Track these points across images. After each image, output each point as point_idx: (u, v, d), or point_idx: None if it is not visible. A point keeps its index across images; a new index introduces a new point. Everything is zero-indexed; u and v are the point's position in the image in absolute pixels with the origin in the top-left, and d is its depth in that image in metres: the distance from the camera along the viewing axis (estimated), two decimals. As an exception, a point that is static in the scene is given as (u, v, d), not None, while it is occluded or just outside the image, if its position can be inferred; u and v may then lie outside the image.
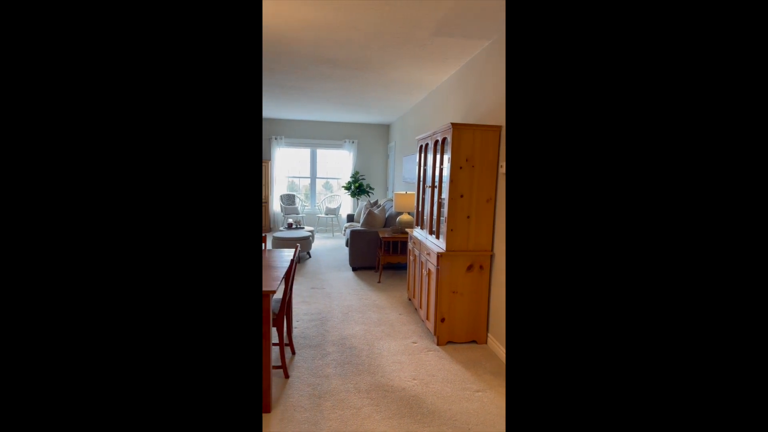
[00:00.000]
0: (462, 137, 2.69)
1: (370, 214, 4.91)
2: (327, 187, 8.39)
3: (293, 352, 2.61)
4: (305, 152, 8.10)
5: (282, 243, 5.24)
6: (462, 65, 3.64)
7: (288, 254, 2.72)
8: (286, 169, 8.02)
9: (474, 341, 2.88)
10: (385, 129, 8.16)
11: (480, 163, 2.74)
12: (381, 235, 4.37)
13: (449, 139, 2.72)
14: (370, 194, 7.75)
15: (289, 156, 8.03)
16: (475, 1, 2.33)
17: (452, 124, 2.66)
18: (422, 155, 3.50)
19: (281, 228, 6.31)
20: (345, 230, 6.11)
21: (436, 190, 3.05)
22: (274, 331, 2.94)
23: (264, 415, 1.93)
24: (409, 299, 3.71)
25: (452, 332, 2.82)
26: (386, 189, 8.15)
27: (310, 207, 8.23)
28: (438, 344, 2.80)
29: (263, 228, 7.63)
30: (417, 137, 3.60)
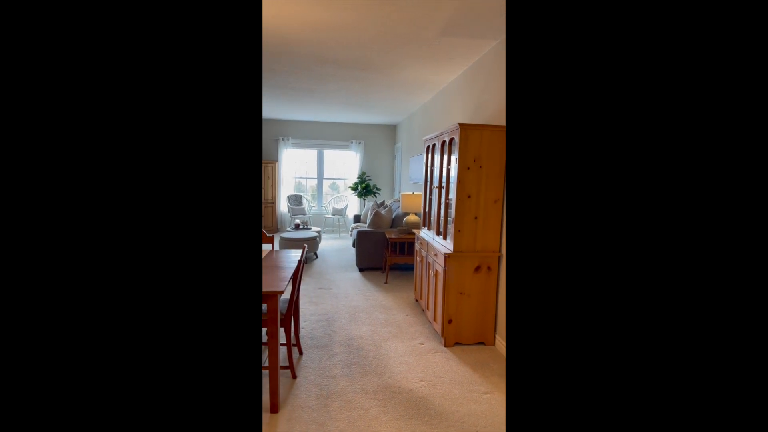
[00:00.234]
0: (469, 137, 2.68)
1: (376, 215, 4.91)
2: (333, 187, 8.41)
3: (300, 353, 2.62)
4: (312, 153, 8.13)
5: (289, 243, 5.26)
6: (469, 65, 3.62)
7: (295, 255, 2.73)
8: (293, 170, 8.05)
9: (482, 343, 2.86)
10: (391, 129, 8.16)
11: (488, 164, 2.72)
12: (388, 236, 4.36)
13: (457, 140, 2.71)
14: (376, 195, 7.76)
15: (296, 157, 8.06)
16: (482, 1, 2.31)
17: (460, 124, 2.65)
18: (429, 156, 3.49)
19: (288, 228, 6.34)
20: (352, 231, 6.12)
21: (444, 191, 3.04)
22: (281, 331, 2.96)
23: (272, 415, 1.94)
24: (416, 300, 3.70)
25: (459, 333, 2.81)
26: (393, 189, 8.15)
27: (317, 207, 8.26)
28: (445, 345, 2.79)
29: (271, 229, 7.67)
30: (424, 138, 3.59)
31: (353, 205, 8.18)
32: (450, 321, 2.78)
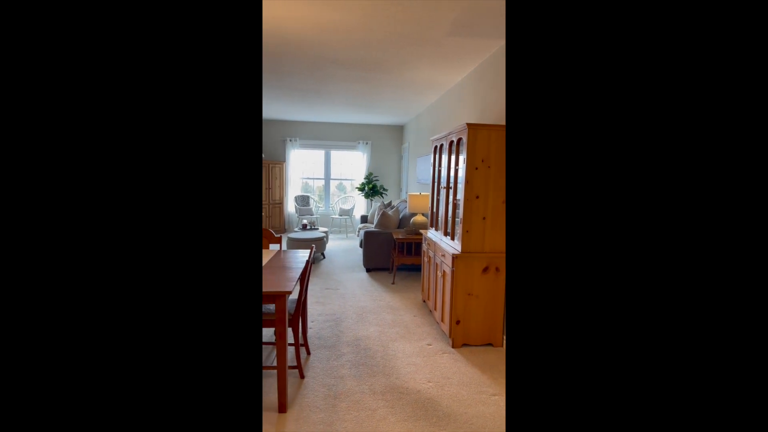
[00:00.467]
0: (478, 138, 2.67)
1: (383, 215, 4.90)
2: (340, 188, 8.42)
3: (308, 353, 2.63)
4: (319, 154, 8.15)
5: (297, 244, 5.28)
6: (477, 65, 3.61)
7: (303, 255, 2.74)
8: (301, 170, 8.09)
9: (490, 344, 2.84)
10: (398, 130, 8.16)
11: (496, 164, 2.70)
12: (395, 237, 4.36)
13: (465, 140, 2.69)
14: (383, 195, 7.76)
15: (303, 157, 8.10)
16: (489, 0, 2.30)
17: (468, 124, 2.64)
18: (437, 156, 3.48)
19: (296, 229, 6.37)
20: (359, 231, 6.13)
21: (451, 191, 3.03)
22: (289, 331, 2.97)
23: (280, 414, 1.94)
24: (424, 301, 3.69)
25: (467, 335, 2.79)
26: (400, 190, 8.14)
27: (324, 208, 8.28)
28: (453, 347, 2.78)
29: (278, 229, 7.71)
30: (431, 138, 3.58)
31: (360, 205, 8.19)
32: (458, 322, 2.77)
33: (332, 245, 6.69)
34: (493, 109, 3.20)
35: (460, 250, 2.75)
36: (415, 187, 6.48)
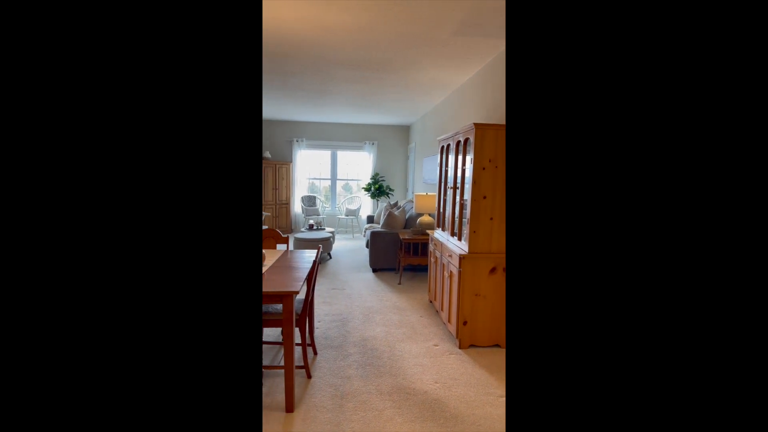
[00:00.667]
0: (485, 138, 2.65)
1: (390, 216, 4.90)
2: (347, 188, 8.44)
3: (315, 353, 2.63)
4: (326, 154, 8.17)
5: (303, 244, 5.30)
6: (484, 64, 3.59)
7: (309, 255, 2.75)
8: (307, 171, 8.12)
9: (497, 345, 2.83)
10: (405, 130, 8.15)
11: (503, 164, 2.69)
12: (401, 237, 4.36)
13: (472, 140, 2.68)
14: (389, 195, 7.75)
15: (309, 158, 8.12)
16: (497, 0, 2.29)
17: (475, 124, 2.62)
18: (444, 156, 3.47)
19: (302, 229, 6.39)
20: (365, 231, 6.13)
21: (458, 192, 3.02)
22: (296, 331, 2.97)
23: (287, 414, 1.95)
24: (430, 301, 3.68)
25: (475, 336, 2.78)
26: (406, 190, 8.13)
27: (330, 208, 8.30)
28: (460, 347, 2.77)
29: (285, 229, 7.74)
30: (438, 138, 3.57)
31: (366, 205, 8.19)
32: (465, 323, 2.76)
33: (338, 245, 6.70)
34: (500, 108, 3.19)
35: (467, 250, 2.73)
36: (421, 187, 6.47)
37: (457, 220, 3.04)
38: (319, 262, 5.34)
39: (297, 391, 2.17)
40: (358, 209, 7.90)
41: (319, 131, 7.98)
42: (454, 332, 2.83)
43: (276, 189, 7.59)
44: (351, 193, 8.39)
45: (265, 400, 2.08)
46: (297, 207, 7.99)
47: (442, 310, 3.17)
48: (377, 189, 7.39)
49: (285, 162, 7.63)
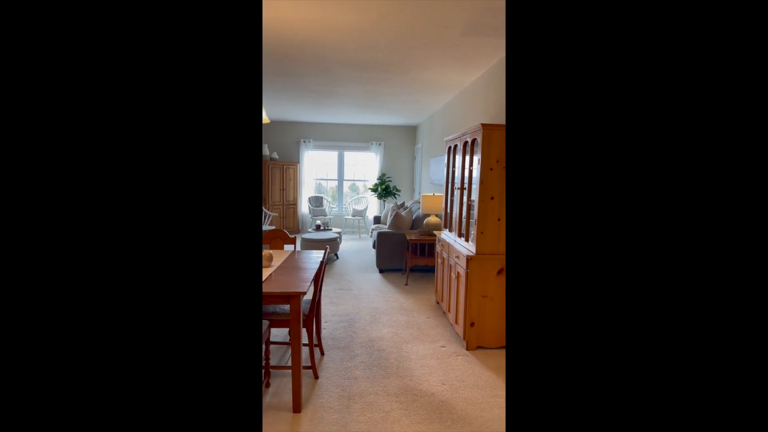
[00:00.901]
0: (492, 138, 2.64)
1: (396, 216, 4.90)
2: (353, 189, 8.45)
3: (322, 353, 2.64)
4: (332, 155, 8.20)
5: (311, 244, 5.32)
6: (492, 64, 3.57)
7: (316, 255, 2.75)
8: (314, 171, 8.15)
9: (505, 347, 2.81)
10: (412, 130, 8.14)
11: (511, 165, 2.67)
12: (408, 237, 4.35)
13: (479, 140, 2.67)
14: (396, 196, 7.75)
15: (317, 159, 8.15)
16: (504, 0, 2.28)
17: (482, 124, 2.61)
18: (451, 157, 3.46)
19: (310, 229, 6.41)
20: (372, 232, 6.13)
21: (466, 192, 3.00)
22: (303, 331, 2.98)
23: (294, 414, 1.96)
24: (437, 302, 3.67)
25: (482, 337, 2.76)
26: (413, 191, 8.12)
27: (337, 209, 8.32)
28: (467, 349, 2.75)
29: (292, 229, 7.78)
30: (445, 138, 3.56)
31: (373, 206, 8.20)
32: (472, 324, 2.74)
33: (345, 246, 6.71)
34: (508, 109, 3.16)
35: (474, 251, 2.72)
36: (428, 187, 6.46)
37: (464, 220, 3.03)
38: (326, 263, 5.36)
39: (304, 391, 2.17)
40: (365, 210, 7.90)
41: (326, 132, 8.01)
42: (461, 334, 2.82)
43: (283, 189, 7.63)
44: (358, 194, 8.41)
45: (273, 400, 2.09)
46: (304, 207, 8.02)
47: (449, 311, 3.16)
48: (384, 189, 7.39)
49: (292, 163, 7.67)
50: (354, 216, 7.83)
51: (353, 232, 8.26)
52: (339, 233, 5.89)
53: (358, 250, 6.37)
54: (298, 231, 7.90)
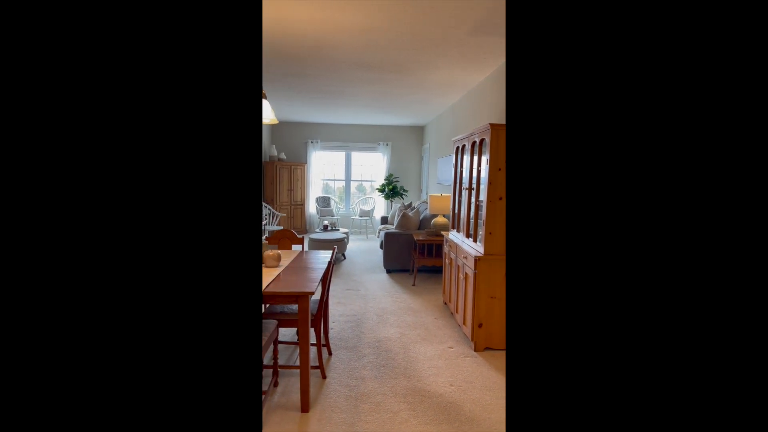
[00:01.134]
0: (501, 138, 2.62)
1: (404, 216, 4.89)
2: (360, 189, 8.46)
3: (330, 353, 2.64)
4: (340, 155, 8.22)
5: (318, 244, 5.34)
6: (500, 64, 3.55)
7: (324, 255, 2.76)
8: (322, 172, 8.18)
9: (513, 348, 2.79)
10: (419, 131, 8.13)
11: (520, 165, 2.65)
12: (415, 238, 4.34)
13: (488, 140, 2.66)
14: (403, 196, 7.75)
15: (324, 159, 8.18)
16: (516, -3, 2.26)
17: (491, 124, 2.60)
18: (459, 157, 3.45)
19: (317, 230, 6.44)
20: (379, 232, 6.13)
21: (474, 192, 2.99)
22: (311, 331, 2.99)
23: (302, 414, 1.96)
24: (445, 303, 3.65)
25: (490, 338, 2.75)
26: (420, 191, 8.11)
27: (344, 209, 8.34)
28: (475, 350, 2.74)
29: (300, 230, 7.81)
30: (453, 138, 3.55)
31: (380, 206, 8.20)
32: (480, 325, 2.73)
33: (352, 246, 6.72)
34: (516, 108, 3.14)
35: (482, 252, 2.71)
36: (435, 188, 6.44)
37: (472, 221, 3.01)
38: (334, 263, 5.37)
39: (312, 391, 2.18)
40: (372, 210, 7.91)
41: (334, 132, 8.03)
42: (469, 335, 2.81)
43: (291, 190, 7.67)
44: (365, 194, 8.42)
45: (281, 399, 2.10)
46: (312, 208, 8.05)
47: (456, 312, 3.15)
48: (391, 190, 7.38)
49: (300, 163, 7.70)
50: (361, 216, 7.84)
51: (360, 232, 8.26)
52: (346, 233, 5.90)
53: (365, 250, 6.38)
54: (305, 231, 7.93)
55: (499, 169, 2.64)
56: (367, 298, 3.85)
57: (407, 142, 8.14)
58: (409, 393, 2.18)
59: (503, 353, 2.73)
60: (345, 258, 5.74)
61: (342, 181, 8.34)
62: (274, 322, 2.13)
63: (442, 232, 3.79)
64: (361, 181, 8.39)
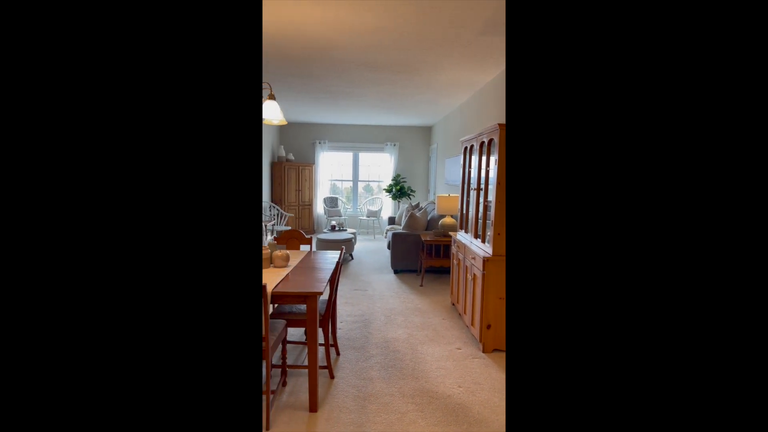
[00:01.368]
0: (510, 138, 2.61)
1: (411, 217, 4.88)
2: (368, 189, 8.47)
3: (338, 353, 2.65)
4: (347, 156, 8.23)
5: (326, 245, 5.35)
6: (509, 64, 3.53)
7: (332, 256, 2.77)
8: (329, 172, 8.20)
9: (522, 350, 2.77)
10: (427, 131, 8.12)
11: (529, 165, 2.63)
12: (423, 238, 4.33)
13: (496, 141, 2.64)
14: (411, 197, 7.73)
15: (332, 160, 8.20)
16: (525, -3, 2.24)
17: (499, 124, 2.58)
18: (467, 157, 3.43)
19: (325, 230, 6.46)
20: (386, 233, 6.13)
21: (482, 193, 2.97)
22: (319, 331, 3.00)
23: (311, 414, 1.97)
24: (453, 304, 3.64)
25: (499, 340, 2.73)
26: (428, 191, 8.09)
27: (352, 209, 8.35)
28: (484, 351, 2.72)
29: (308, 230, 7.84)
30: (461, 139, 3.54)
31: (387, 207, 8.20)
32: (489, 326, 2.71)
33: (360, 246, 6.73)
34: (525, 108, 3.12)
35: (491, 253, 2.69)
36: (443, 188, 6.42)
37: (480, 222, 3.00)
38: (341, 263, 5.38)
39: (320, 391, 2.18)
40: (380, 210, 7.91)
41: (342, 133, 8.05)
42: (477, 336, 2.79)
43: (299, 190, 7.70)
44: (372, 195, 8.42)
45: (289, 399, 2.11)
46: (319, 208, 8.08)
47: (464, 313, 3.13)
48: (398, 190, 7.38)
49: (308, 164, 7.73)
50: (368, 217, 7.84)
51: (368, 232, 8.27)
52: (354, 234, 5.91)
53: (372, 250, 6.38)
54: (313, 231, 7.96)
55: (508, 170, 2.63)
56: (374, 299, 3.85)
57: (415, 142, 8.12)
58: (417, 394, 2.17)
59: (512, 355, 2.71)
60: (352, 258, 5.74)
61: (349, 182, 8.35)
62: (283, 322, 2.14)
63: (450, 233, 3.78)
64: (368, 181, 8.40)
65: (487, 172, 2.89)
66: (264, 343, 1.83)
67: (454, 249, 3.58)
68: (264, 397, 2.10)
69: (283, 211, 7.21)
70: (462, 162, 3.52)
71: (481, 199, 2.98)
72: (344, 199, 8.30)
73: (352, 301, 3.78)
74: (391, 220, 6.96)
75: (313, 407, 1.98)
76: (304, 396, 2.13)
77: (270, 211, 7.11)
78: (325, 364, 2.41)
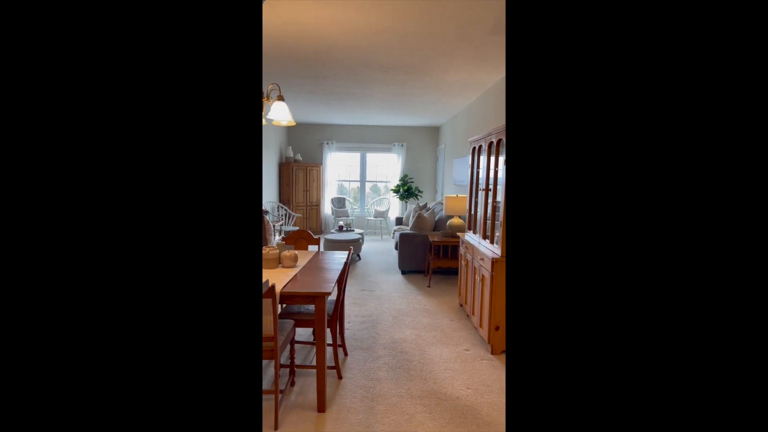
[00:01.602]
0: (519, 138, 2.58)
1: (419, 218, 4.87)
2: (375, 190, 8.48)
3: (345, 354, 2.65)
4: (355, 156, 8.25)
5: (333, 245, 5.37)
6: (517, 63, 3.50)
7: (340, 256, 2.77)
8: (337, 173, 8.22)
9: (531, 352, 2.74)
10: (434, 131, 8.10)
11: (538, 165, 2.61)
12: (431, 239, 4.32)
13: (505, 141, 2.62)
14: (418, 197, 7.72)
15: (339, 160, 8.23)
16: (535, -4, 2.23)
17: (508, 124, 2.56)
18: (475, 157, 3.41)
19: (332, 230, 6.48)
20: (394, 233, 6.13)
21: (490, 193, 2.95)
22: (327, 331, 3.01)
23: (319, 414, 1.97)
24: (461, 305, 3.62)
25: (507, 341, 2.71)
26: (435, 192, 8.07)
27: (359, 210, 8.36)
28: (492, 353, 2.71)
29: (315, 230, 7.87)
30: (469, 139, 3.52)
31: (395, 207, 8.20)
32: (497, 328, 2.69)
33: (367, 247, 6.73)
34: (534, 108, 3.10)
35: (500, 253, 2.67)
36: (451, 189, 6.40)
37: (488, 222, 2.98)
38: (349, 264, 5.39)
39: (328, 391, 2.19)
40: (387, 211, 7.91)
41: (349, 133, 8.07)
42: (485, 337, 2.77)
43: (307, 191, 7.74)
44: (380, 195, 8.42)
45: (297, 399, 2.12)
46: (327, 208, 8.11)
47: (473, 314, 3.11)
48: (406, 191, 7.37)
49: (316, 164, 7.76)
50: (376, 217, 7.85)
51: (375, 233, 8.28)
52: (361, 234, 5.92)
53: (380, 251, 6.38)
54: (320, 232, 7.99)
55: (517, 170, 2.61)
56: (382, 299, 3.85)
57: (422, 142, 8.11)
58: (425, 395, 2.17)
59: (521, 357, 2.69)
60: (360, 259, 5.75)
61: (357, 182, 8.37)
62: (291, 322, 2.15)
63: (458, 234, 3.76)
64: (375, 181, 8.40)
65: (496, 172, 2.87)
66: (273, 343, 1.84)
67: (462, 250, 3.57)
68: (273, 396, 2.11)
69: (291, 212, 7.24)
70: (470, 162, 3.50)
71: (490, 200, 2.96)
72: (352, 200, 8.31)
73: (359, 301, 3.78)
74: (399, 221, 6.96)
75: (321, 407, 1.99)
76: (312, 396, 2.14)
77: (278, 211, 7.16)
78: (333, 364, 2.41)
